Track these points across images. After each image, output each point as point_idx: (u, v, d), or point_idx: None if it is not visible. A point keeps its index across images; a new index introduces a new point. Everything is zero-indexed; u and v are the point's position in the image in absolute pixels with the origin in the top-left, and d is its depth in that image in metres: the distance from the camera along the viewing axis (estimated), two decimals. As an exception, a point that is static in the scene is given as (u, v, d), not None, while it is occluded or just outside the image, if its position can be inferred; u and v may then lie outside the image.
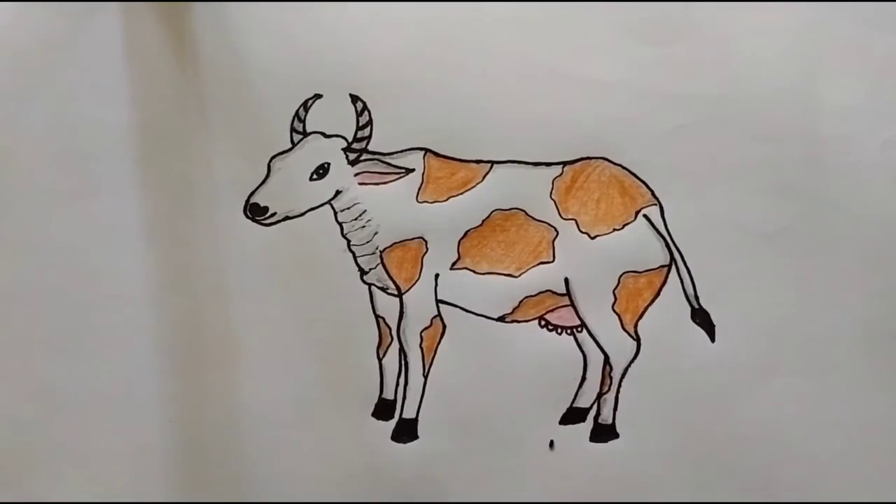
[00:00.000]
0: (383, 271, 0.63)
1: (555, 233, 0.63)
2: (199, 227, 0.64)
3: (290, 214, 0.63)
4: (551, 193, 0.63)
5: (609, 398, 0.62)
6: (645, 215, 0.63)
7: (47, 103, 0.64)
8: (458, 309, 0.63)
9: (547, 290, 0.63)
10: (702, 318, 0.62)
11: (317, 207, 0.63)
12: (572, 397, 0.62)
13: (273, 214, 0.63)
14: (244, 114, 0.64)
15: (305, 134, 0.63)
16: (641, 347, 0.62)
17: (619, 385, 0.62)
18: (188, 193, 0.64)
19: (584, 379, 0.62)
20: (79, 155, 0.64)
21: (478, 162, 0.63)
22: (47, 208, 0.64)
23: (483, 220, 0.63)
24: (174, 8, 0.64)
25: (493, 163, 0.63)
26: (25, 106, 0.64)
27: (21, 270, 0.63)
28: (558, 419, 0.62)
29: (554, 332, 0.63)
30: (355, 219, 0.63)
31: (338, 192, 0.63)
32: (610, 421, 0.62)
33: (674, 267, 0.63)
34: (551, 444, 0.62)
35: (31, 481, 0.62)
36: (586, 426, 0.62)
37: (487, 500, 0.62)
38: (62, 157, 0.64)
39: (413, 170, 0.63)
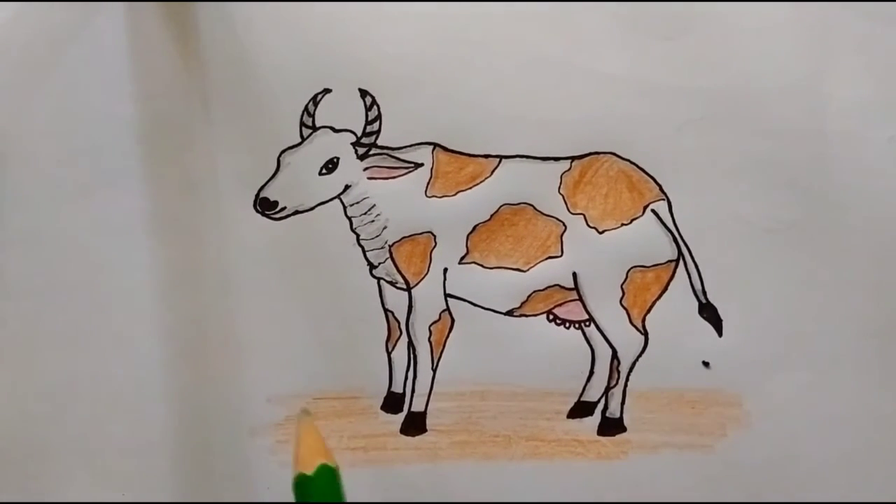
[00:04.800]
0: (392, 265, 0.63)
1: (563, 227, 0.63)
2: (206, 221, 0.64)
3: (299, 209, 0.63)
4: (559, 188, 0.63)
5: (617, 392, 0.63)
6: (653, 210, 0.63)
7: (52, 99, 0.64)
8: (466, 303, 0.63)
9: (555, 285, 0.63)
10: (709, 312, 0.62)
11: (326, 202, 0.63)
12: (580, 391, 0.63)
13: (283, 209, 0.63)
14: (250, 108, 0.64)
15: (315, 128, 0.64)
16: (649, 342, 0.63)
17: (627, 379, 0.63)
18: (195, 188, 0.64)
19: (592, 373, 0.63)
20: (84, 150, 0.64)
21: (486, 156, 0.64)
22: (53, 203, 0.64)
23: (491, 215, 0.63)
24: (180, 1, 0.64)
25: (501, 157, 0.64)
26: (31, 101, 0.64)
27: (27, 265, 0.63)
28: (566, 413, 0.63)
29: (562, 327, 0.63)
30: (365, 213, 0.63)
31: (347, 187, 0.63)
32: (618, 415, 0.62)
33: (681, 262, 0.63)
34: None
35: (39, 476, 0.62)
36: (594, 420, 0.63)
37: (490, 500, 0.62)
38: (67, 153, 0.64)
39: (422, 164, 0.63)
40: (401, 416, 0.63)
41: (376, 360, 0.63)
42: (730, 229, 0.63)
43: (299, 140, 0.64)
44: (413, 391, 0.63)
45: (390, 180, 0.63)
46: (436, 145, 0.64)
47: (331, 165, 0.63)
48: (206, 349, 0.63)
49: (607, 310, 0.63)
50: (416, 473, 0.62)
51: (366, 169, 0.63)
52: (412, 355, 0.63)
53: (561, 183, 0.63)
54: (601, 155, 0.63)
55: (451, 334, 0.63)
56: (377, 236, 0.63)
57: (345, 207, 0.64)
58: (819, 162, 0.63)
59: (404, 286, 0.64)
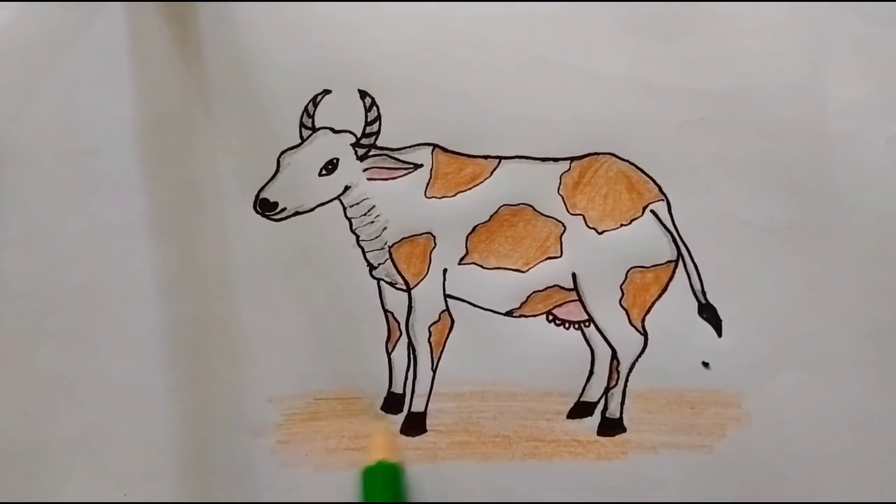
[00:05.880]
0: (392, 266, 0.63)
1: (562, 228, 0.63)
2: (206, 222, 0.64)
3: (299, 210, 0.63)
4: (559, 189, 0.63)
5: (616, 392, 0.63)
6: (652, 210, 0.63)
7: (54, 99, 0.64)
8: (466, 303, 0.63)
9: (554, 285, 0.63)
10: (709, 313, 0.62)
11: (326, 203, 0.63)
12: (580, 391, 0.63)
13: (283, 210, 0.63)
14: (250, 108, 0.64)
15: (314, 129, 0.64)
16: (648, 342, 0.63)
17: (627, 379, 0.63)
18: (195, 188, 0.64)
19: (591, 373, 0.63)
20: (85, 151, 0.64)
21: (486, 157, 0.64)
22: (55, 203, 0.64)
23: (491, 216, 0.63)
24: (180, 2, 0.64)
25: (500, 158, 0.64)
26: (32, 102, 0.64)
27: (29, 265, 0.63)
28: (566, 413, 0.63)
29: (562, 327, 0.63)
30: (364, 214, 0.63)
31: (347, 188, 0.63)
32: (617, 415, 0.62)
33: (681, 262, 0.63)
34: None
35: (39, 476, 0.62)
36: (594, 420, 0.63)
37: (490, 500, 0.62)
38: (69, 153, 0.64)
39: (421, 165, 0.63)
40: (401, 417, 0.63)
41: (376, 361, 0.63)
42: (729, 230, 0.63)
43: (299, 141, 0.64)
44: (413, 391, 0.63)
45: (390, 181, 0.63)
46: (435, 146, 0.64)
47: (330, 166, 0.64)
48: (207, 349, 0.63)
49: (607, 310, 0.63)
50: (416, 473, 0.62)
51: (365, 170, 0.64)
52: (412, 356, 0.63)
53: (560, 183, 0.63)
54: (600, 155, 0.63)
55: (450, 335, 0.63)
56: (377, 237, 0.63)
57: (344, 208, 0.64)
58: (818, 162, 0.63)
59: (404, 287, 0.64)
